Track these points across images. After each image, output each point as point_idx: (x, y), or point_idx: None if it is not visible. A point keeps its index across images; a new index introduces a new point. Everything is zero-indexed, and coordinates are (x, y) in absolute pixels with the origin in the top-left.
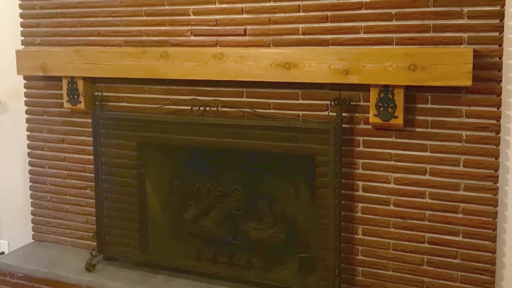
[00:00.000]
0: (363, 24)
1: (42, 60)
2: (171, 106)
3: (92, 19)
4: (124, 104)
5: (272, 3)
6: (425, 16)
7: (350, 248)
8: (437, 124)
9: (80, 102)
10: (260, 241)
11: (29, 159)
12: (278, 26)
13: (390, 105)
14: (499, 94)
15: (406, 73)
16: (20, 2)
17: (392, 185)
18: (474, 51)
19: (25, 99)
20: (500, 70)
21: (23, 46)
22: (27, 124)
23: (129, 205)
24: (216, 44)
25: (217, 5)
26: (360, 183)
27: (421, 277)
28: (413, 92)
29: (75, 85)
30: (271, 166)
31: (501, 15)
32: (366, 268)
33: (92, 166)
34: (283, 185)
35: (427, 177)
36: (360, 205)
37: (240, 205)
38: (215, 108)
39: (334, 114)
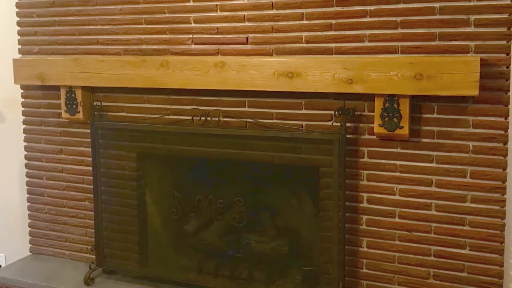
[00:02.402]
0: (367, 32)
1: (39, 69)
2: (171, 116)
3: (91, 27)
4: (124, 114)
5: (274, 11)
6: (431, 24)
7: (354, 261)
8: (444, 134)
9: (79, 112)
10: (262, 254)
11: (27, 170)
12: (281, 34)
13: (396, 115)
14: (506, 103)
15: (411, 82)
16: (18, 10)
17: (397, 197)
18: (481, 60)
19: (23, 109)
20: (508, 79)
21: (20, 55)
22: (25, 135)
23: (128, 217)
24: (218, 52)
25: (219, 13)
26: (365, 195)
27: None
28: (418, 102)
29: (73, 95)
30: (274, 178)
31: (509, 23)
32: (371, 281)
33: (91, 178)
34: (286, 196)
35: (433, 188)
36: (364, 217)
37: (242, 217)
38: (217, 118)
39: (338, 124)
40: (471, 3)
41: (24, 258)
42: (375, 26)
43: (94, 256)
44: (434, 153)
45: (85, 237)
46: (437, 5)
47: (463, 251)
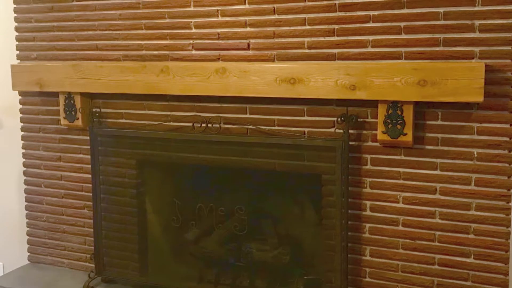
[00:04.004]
0: (371, 37)
1: (38, 75)
2: (171, 123)
3: (90, 32)
4: (123, 120)
5: (276, 16)
6: (435, 30)
7: (357, 270)
8: (448, 141)
9: (78, 118)
10: (264, 262)
11: (25, 177)
12: (283, 39)
13: (399, 122)
14: (511, 110)
15: (415, 88)
16: (16, 15)
17: (401, 205)
18: (486, 65)
19: (21, 115)
20: None
21: (19, 61)
22: (23, 142)
23: (128, 225)
24: (219, 58)
25: (220, 18)
26: (368, 203)
27: None
28: (422, 109)
29: (72, 101)
30: (276, 185)
31: None
32: None
33: (90, 185)
34: (288, 204)
35: (437, 196)
36: (367, 225)
37: (244, 225)
38: (218, 125)
39: (341, 131)
40: (476, 8)
41: (22, 267)
42: (378, 32)
43: (93, 265)
44: (438, 160)
45: (84, 245)
46: (441, 10)
47: (467, 260)
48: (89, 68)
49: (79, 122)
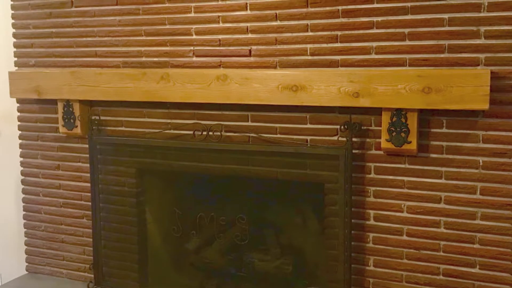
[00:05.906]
0: (374, 44)
1: (36, 82)
2: (172, 131)
3: (89, 39)
4: (123, 128)
5: (278, 22)
6: (440, 36)
7: (361, 280)
8: (453, 149)
9: (77, 126)
10: (266, 273)
11: (23, 186)
12: (285, 46)
13: (403, 130)
14: None
15: (419, 96)
16: (14, 21)
17: (405, 214)
18: (492, 72)
19: (19, 123)
20: None
21: (16, 68)
22: (21, 150)
23: (128, 235)
24: (220, 65)
25: (221, 24)
26: (372, 212)
27: None
28: (427, 116)
29: (71, 109)
30: (278, 194)
31: None
32: None
33: (89, 194)
34: (290, 214)
35: (442, 205)
36: (371, 235)
37: (245, 235)
38: (219, 133)
39: (344, 139)
40: (481, 14)
41: (20, 277)
42: (382, 38)
43: (92, 275)
44: (443, 169)
45: (83, 255)
46: (446, 16)
47: (472, 270)
48: (88, 75)
49: (78, 130)
